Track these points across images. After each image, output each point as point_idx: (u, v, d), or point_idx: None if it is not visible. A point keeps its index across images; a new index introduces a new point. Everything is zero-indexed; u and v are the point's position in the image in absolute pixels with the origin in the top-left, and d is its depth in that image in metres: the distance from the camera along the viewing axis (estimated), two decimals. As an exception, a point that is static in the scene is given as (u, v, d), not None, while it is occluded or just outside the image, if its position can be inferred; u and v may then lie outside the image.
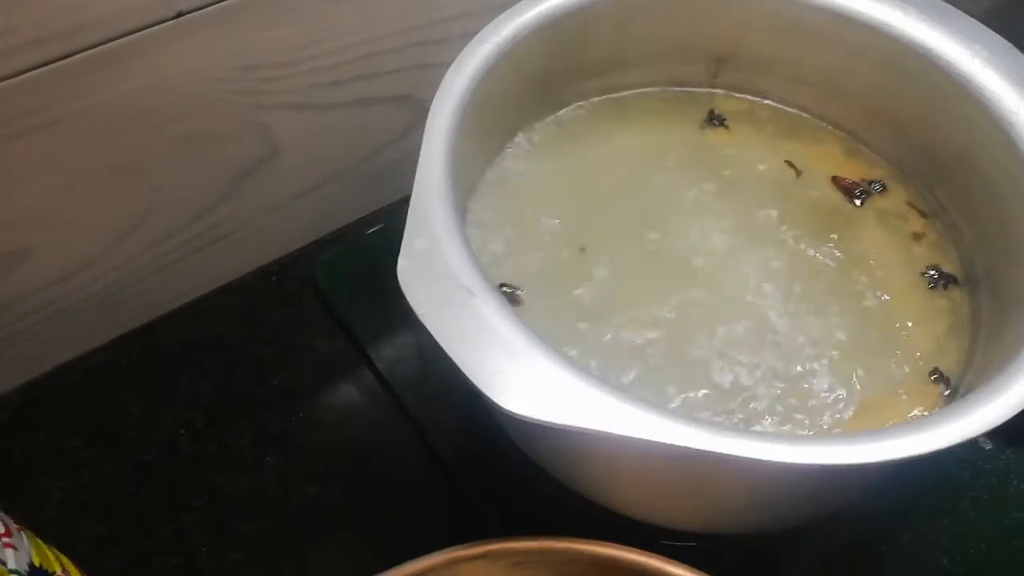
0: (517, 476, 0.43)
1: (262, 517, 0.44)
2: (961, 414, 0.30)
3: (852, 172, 0.46)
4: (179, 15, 0.38)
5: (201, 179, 0.46)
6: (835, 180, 0.46)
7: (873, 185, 0.45)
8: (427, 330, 0.30)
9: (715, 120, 0.48)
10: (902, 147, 0.45)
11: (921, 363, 0.39)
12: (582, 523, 0.36)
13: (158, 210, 0.46)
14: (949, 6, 0.42)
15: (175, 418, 0.47)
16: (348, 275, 0.53)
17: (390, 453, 0.47)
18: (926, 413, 0.38)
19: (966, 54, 0.40)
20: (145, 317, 0.50)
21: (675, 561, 0.34)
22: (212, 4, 0.38)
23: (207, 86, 0.41)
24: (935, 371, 0.39)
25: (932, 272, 0.42)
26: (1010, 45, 0.40)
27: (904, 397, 0.38)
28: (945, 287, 0.42)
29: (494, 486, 0.46)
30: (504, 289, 0.39)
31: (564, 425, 0.29)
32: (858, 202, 0.45)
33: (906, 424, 0.30)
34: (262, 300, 0.52)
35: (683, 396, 0.37)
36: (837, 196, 0.45)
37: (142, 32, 0.38)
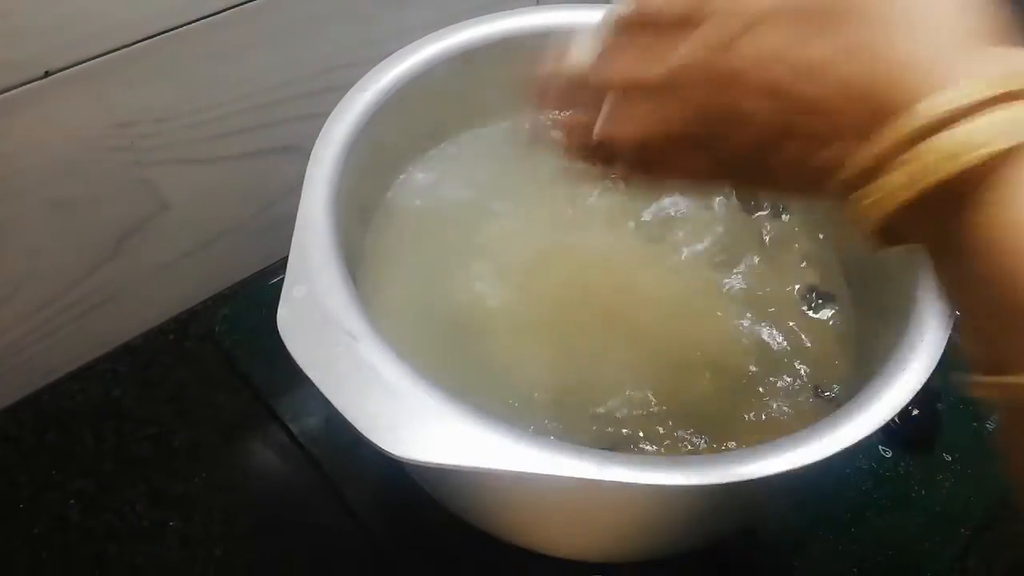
0: (431, 522, 0.43)
1: (165, 585, 0.43)
2: (837, 425, 0.31)
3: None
4: (47, 74, 0.37)
5: (80, 242, 0.45)
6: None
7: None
8: (309, 378, 0.30)
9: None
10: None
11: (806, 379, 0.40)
12: (498, 566, 0.36)
13: (35, 276, 0.44)
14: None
15: (65, 488, 0.45)
16: (249, 328, 0.52)
17: (300, 507, 0.46)
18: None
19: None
20: (33, 385, 0.48)
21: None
22: (81, 63, 0.38)
23: (80, 145, 0.41)
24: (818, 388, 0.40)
25: (810, 292, 0.44)
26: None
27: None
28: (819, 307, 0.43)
29: (408, 534, 0.45)
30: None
31: (450, 465, 0.29)
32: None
33: (782, 440, 0.31)
34: (160, 359, 0.51)
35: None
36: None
37: (8, 92, 0.37)
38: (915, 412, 0.49)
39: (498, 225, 0.45)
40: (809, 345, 0.41)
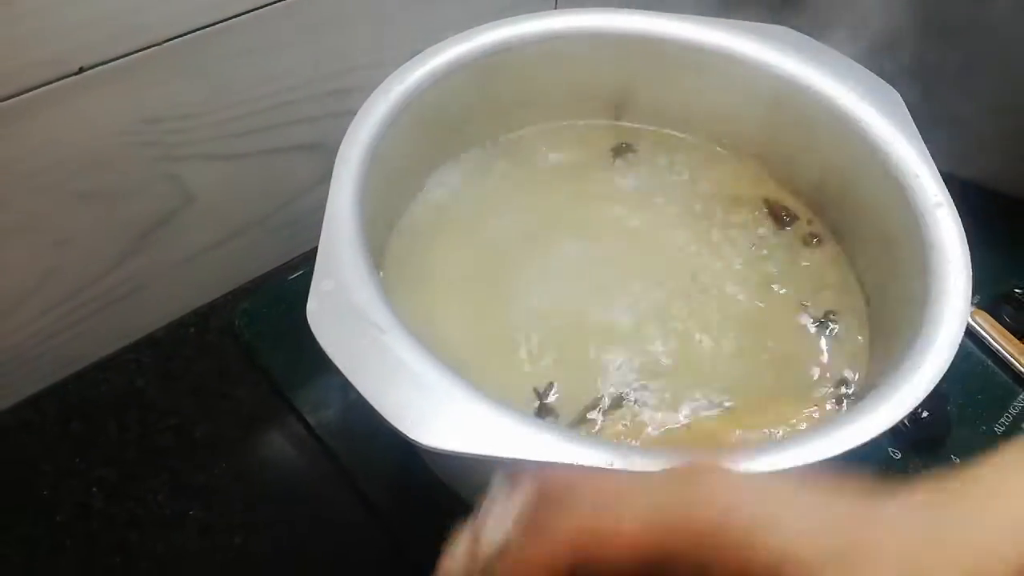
0: (447, 514, 0.43)
1: (185, 573, 0.43)
2: (846, 424, 0.32)
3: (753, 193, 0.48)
4: (81, 71, 0.38)
5: (109, 233, 0.45)
6: (766, 202, 0.48)
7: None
8: (338, 369, 0.31)
9: (623, 149, 0.50)
10: (798, 178, 0.48)
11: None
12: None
13: (63, 268, 0.45)
14: (822, 45, 0.45)
15: (88, 476, 0.46)
16: (269, 323, 0.52)
17: (318, 500, 0.47)
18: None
19: (841, 89, 0.43)
20: (58, 375, 0.49)
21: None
22: (114, 60, 0.39)
23: (110, 140, 0.41)
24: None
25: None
26: (879, 79, 0.43)
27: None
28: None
29: (426, 527, 0.45)
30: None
31: (476, 455, 0.30)
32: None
33: (792, 437, 0.31)
34: (181, 352, 0.51)
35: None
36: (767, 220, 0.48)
37: (43, 88, 0.38)
38: (925, 414, 0.49)
39: (523, 228, 0.45)
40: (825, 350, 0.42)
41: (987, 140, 0.59)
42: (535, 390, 0.39)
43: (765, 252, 0.46)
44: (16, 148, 0.39)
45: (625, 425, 0.38)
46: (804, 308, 0.43)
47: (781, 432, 0.38)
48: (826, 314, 0.43)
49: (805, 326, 0.43)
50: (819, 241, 0.46)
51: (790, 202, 0.48)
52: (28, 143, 0.39)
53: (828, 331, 0.43)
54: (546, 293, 0.43)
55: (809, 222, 0.47)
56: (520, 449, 0.30)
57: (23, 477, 0.46)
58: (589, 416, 0.38)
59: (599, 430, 0.38)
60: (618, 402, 0.39)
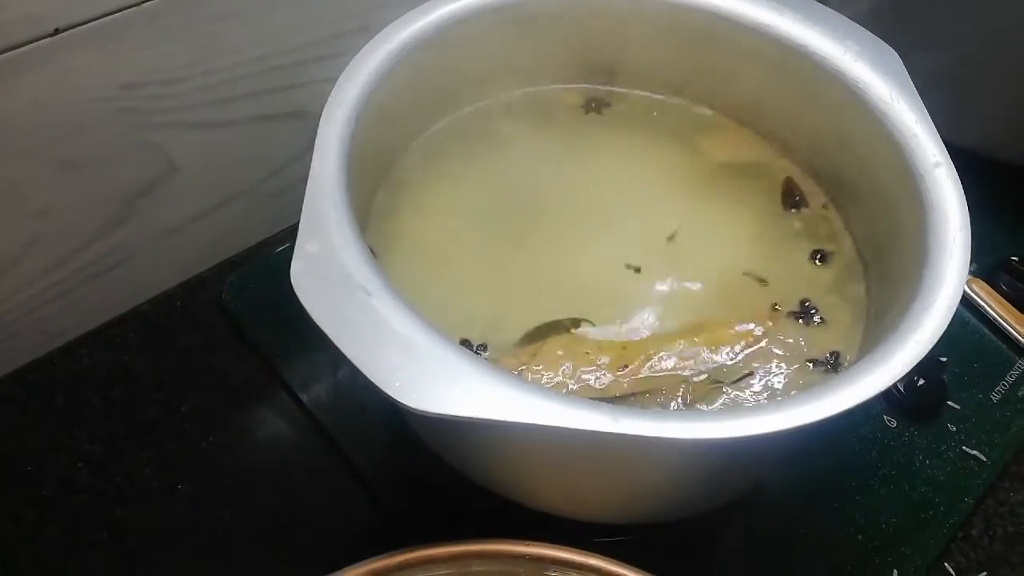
0: (439, 486, 0.43)
1: (174, 547, 0.43)
2: (847, 383, 0.31)
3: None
4: (56, 32, 0.37)
5: (90, 204, 0.44)
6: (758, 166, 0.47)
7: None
8: (324, 332, 0.30)
9: (593, 107, 0.49)
10: (797, 141, 0.47)
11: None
12: (507, 527, 0.36)
13: (44, 239, 0.44)
14: (820, 5, 0.44)
15: (74, 451, 0.45)
16: (257, 295, 0.52)
17: (307, 473, 0.46)
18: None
19: (839, 50, 0.42)
20: (42, 348, 0.48)
21: (587, 552, 0.34)
22: (90, 21, 0.38)
23: (89, 105, 0.40)
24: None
25: (817, 255, 0.44)
26: (877, 39, 0.43)
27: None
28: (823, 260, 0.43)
29: (416, 498, 0.45)
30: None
31: (467, 417, 0.29)
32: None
33: (792, 398, 0.31)
34: (167, 325, 0.51)
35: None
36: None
37: (16, 50, 0.36)
38: (921, 382, 0.49)
39: (512, 189, 0.45)
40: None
41: (985, 107, 0.58)
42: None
43: (756, 216, 0.45)
44: (-10, 112, 0.38)
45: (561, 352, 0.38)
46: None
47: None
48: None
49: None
50: (821, 205, 0.46)
51: (785, 166, 0.47)
52: (3, 107, 0.38)
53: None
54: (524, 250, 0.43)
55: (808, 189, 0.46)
56: (512, 412, 0.29)
57: (7, 452, 0.45)
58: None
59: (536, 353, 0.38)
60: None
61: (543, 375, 0.38)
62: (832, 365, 0.39)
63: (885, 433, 0.49)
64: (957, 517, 0.46)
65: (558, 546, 0.35)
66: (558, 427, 0.29)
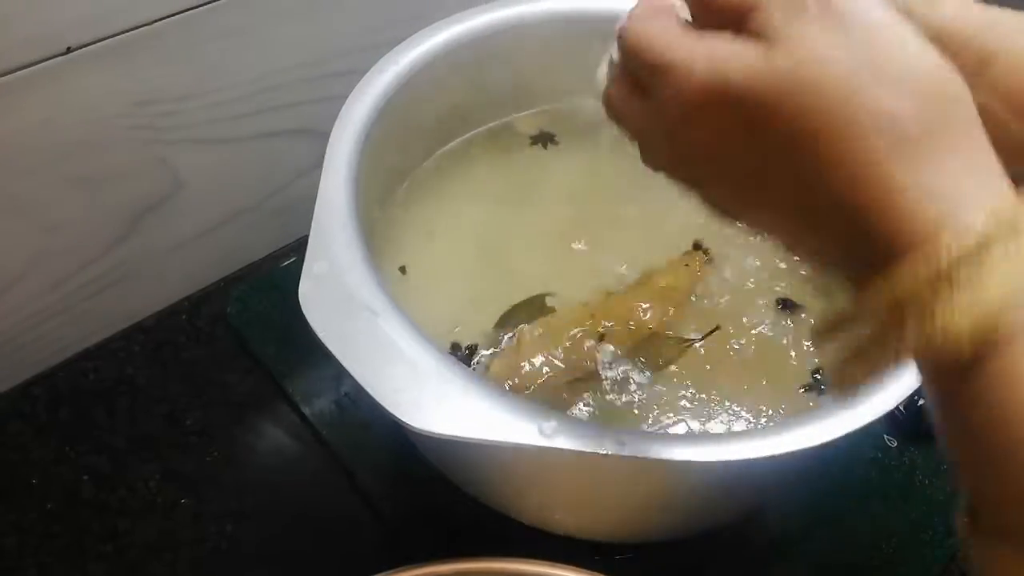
0: (441, 502, 0.43)
1: (177, 560, 0.43)
2: (839, 411, 0.31)
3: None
4: (69, 50, 0.37)
5: (99, 219, 0.45)
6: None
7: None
8: (331, 353, 0.30)
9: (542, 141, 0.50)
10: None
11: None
12: (508, 544, 0.36)
13: (51, 253, 0.44)
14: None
15: (79, 464, 0.45)
16: (262, 310, 0.52)
17: (310, 487, 0.46)
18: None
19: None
20: (48, 362, 0.49)
21: (587, 571, 0.34)
22: (102, 40, 0.38)
23: (100, 122, 0.41)
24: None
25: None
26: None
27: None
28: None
29: (419, 515, 0.45)
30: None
31: (471, 439, 0.29)
32: None
33: (794, 421, 0.31)
34: (173, 339, 0.51)
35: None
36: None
37: (30, 68, 0.37)
38: (921, 402, 0.49)
39: (519, 216, 0.45)
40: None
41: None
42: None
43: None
44: (3, 129, 0.38)
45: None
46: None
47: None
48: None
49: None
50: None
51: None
52: (15, 124, 0.38)
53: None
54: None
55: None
56: (515, 434, 0.29)
57: (13, 464, 0.45)
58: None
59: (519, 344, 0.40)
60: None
61: (533, 364, 0.40)
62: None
63: (885, 453, 0.49)
64: (957, 537, 0.46)
65: (559, 564, 0.35)
66: (564, 449, 0.29)
